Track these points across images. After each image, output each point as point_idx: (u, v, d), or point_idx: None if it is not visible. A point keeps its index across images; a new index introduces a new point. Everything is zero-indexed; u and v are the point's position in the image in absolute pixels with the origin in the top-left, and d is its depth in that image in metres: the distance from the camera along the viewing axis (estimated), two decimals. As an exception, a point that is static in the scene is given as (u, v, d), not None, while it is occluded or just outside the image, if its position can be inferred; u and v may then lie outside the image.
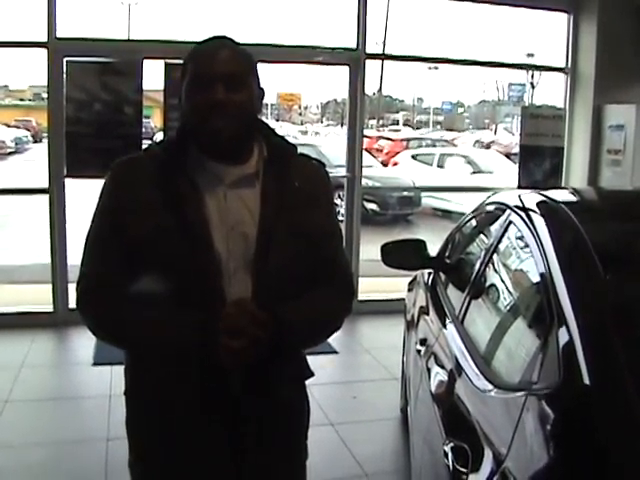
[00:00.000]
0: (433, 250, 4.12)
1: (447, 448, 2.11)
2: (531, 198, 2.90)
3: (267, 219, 2.00)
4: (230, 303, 1.92)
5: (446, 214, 14.27)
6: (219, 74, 1.94)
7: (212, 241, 1.95)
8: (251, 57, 2.07)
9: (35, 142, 26.25)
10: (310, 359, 2.23)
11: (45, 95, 6.91)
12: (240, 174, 2.03)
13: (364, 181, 7.81)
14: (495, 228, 3.16)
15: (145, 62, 6.75)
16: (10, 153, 23.77)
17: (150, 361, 2.04)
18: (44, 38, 6.50)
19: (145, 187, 1.98)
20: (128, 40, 7.33)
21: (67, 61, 6.54)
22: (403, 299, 4.92)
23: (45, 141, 7.06)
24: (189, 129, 2.04)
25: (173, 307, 1.95)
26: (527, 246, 2.56)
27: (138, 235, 1.94)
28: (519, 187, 7.65)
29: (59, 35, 6.53)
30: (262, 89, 2.09)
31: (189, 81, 1.98)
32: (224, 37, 2.08)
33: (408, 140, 24.22)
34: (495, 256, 2.97)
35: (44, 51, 6.54)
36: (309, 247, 2.03)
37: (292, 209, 2.02)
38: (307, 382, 2.24)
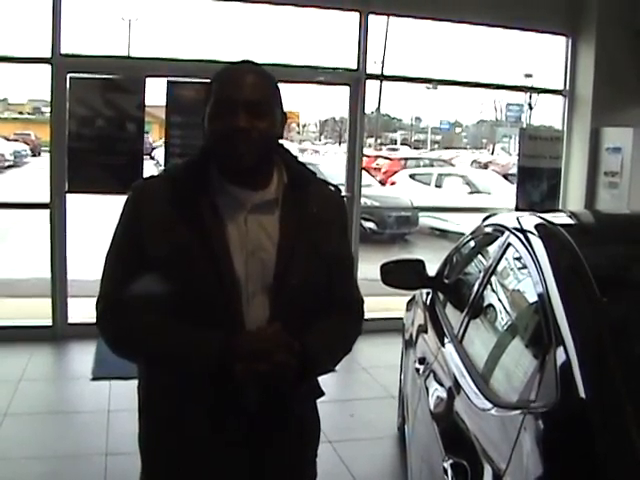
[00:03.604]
0: (431, 269, 4.16)
1: (447, 465, 2.14)
2: (529, 221, 2.95)
3: (286, 245, 2.02)
4: (258, 327, 1.95)
5: (443, 234, 14.30)
6: (243, 101, 1.96)
7: (232, 263, 1.98)
8: (276, 83, 2.08)
9: (34, 156, 26.31)
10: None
11: (44, 109, 6.98)
12: (261, 199, 2.05)
13: (362, 200, 7.86)
14: (494, 249, 3.20)
15: (147, 79, 6.82)
16: (9, 166, 23.77)
17: (166, 378, 2.06)
18: (48, 54, 6.56)
19: (166, 208, 2.00)
20: (131, 57, 7.39)
21: (70, 77, 6.60)
22: (401, 318, 4.95)
23: (44, 155, 7.11)
24: (211, 151, 2.05)
25: (193, 327, 1.96)
26: (525, 267, 2.60)
27: (159, 255, 1.96)
28: (517, 208, 7.69)
29: (63, 51, 6.60)
30: (285, 114, 2.11)
31: (213, 104, 2.00)
32: (251, 62, 2.10)
33: (406, 159, 24.28)
34: (494, 277, 3.02)
35: (45, 66, 6.60)
36: (324, 271, 2.07)
37: (309, 234, 2.06)
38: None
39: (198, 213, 1.99)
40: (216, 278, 1.96)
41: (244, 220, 2.03)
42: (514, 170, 9.23)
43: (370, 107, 31.22)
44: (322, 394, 2.23)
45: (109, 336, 2.08)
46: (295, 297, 2.01)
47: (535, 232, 2.75)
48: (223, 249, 1.98)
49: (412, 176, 18.37)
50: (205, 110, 2.03)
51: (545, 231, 2.76)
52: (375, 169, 21.47)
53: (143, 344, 2.03)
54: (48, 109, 6.96)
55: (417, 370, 3.47)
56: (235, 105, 1.96)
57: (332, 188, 2.25)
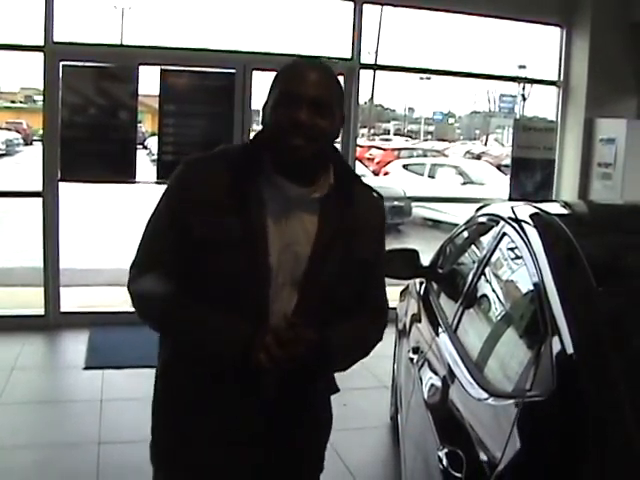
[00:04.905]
0: (423, 259, 4.15)
1: (442, 454, 2.14)
2: (524, 210, 2.95)
3: (322, 243, 2.03)
4: (285, 319, 1.95)
5: (436, 224, 14.33)
6: (307, 96, 1.96)
7: (268, 253, 1.98)
8: (340, 85, 2.10)
9: (26, 144, 26.18)
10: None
11: (36, 97, 6.95)
12: (306, 196, 2.04)
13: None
14: (488, 239, 3.20)
15: (140, 67, 6.79)
16: (0, 155, 23.68)
17: (185, 362, 2.09)
18: (41, 42, 6.52)
19: (214, 189, 1.99)
20: (125, 46, 7.36)
21: (63, 65, 6.56)
22: (394, 308, 4.94)
23: (36, 144, 7.09)
24: (267, 141, 2.05)
25: (218, 312, 1.98)
26: (521, 257, 2.60)
27: (200, 235, 1.97)
28: (510, 199, 7.69)
29: (56, 39, 6.55)
30: (343, 116, 2.10)
31: (277, 96, 2.00)
32: (319, 59, 2.13)
33: (399, 150, 24.27)
34: (489, 266, 3.01)
35: (37, 54, 6.56)
36: (356, 274, 2.08)
37: (347, 236, 2.06)
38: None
39: (244, 199, 1.99)
40: (250, 265, 1.97)
41: (286, 213, 2.03)
42: (507, 161, 9.24)
43: (363, 97, 31.23)
44: (337, 390, 2.26)
45: (135, 303, 2.09)
46: (322, 295, 2.03)
47: (530, 222, 2.76)
48: (262, 237, 1.98)
49: (405, 166, 18.38)
50: (267, 100, 2.03)
51: (540, 221, 2.77)
52: (368, 159, 21.48)
53: (165, 319, 2.05)
54: (40, 97, 6.92)
55: (411, 360, 3.47)
56: (299, 99, 1.96)
57: (375, 194, 2.25)
